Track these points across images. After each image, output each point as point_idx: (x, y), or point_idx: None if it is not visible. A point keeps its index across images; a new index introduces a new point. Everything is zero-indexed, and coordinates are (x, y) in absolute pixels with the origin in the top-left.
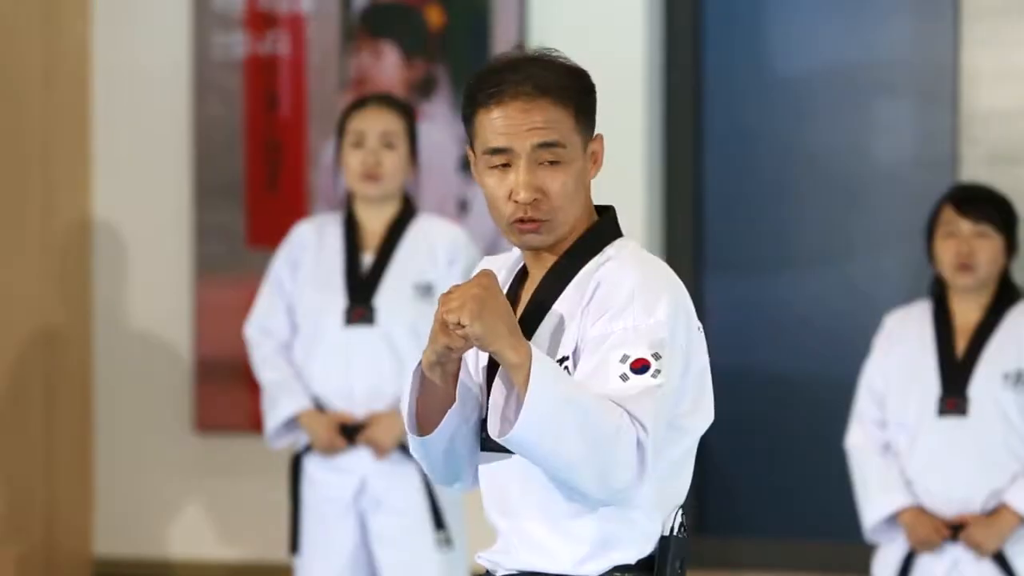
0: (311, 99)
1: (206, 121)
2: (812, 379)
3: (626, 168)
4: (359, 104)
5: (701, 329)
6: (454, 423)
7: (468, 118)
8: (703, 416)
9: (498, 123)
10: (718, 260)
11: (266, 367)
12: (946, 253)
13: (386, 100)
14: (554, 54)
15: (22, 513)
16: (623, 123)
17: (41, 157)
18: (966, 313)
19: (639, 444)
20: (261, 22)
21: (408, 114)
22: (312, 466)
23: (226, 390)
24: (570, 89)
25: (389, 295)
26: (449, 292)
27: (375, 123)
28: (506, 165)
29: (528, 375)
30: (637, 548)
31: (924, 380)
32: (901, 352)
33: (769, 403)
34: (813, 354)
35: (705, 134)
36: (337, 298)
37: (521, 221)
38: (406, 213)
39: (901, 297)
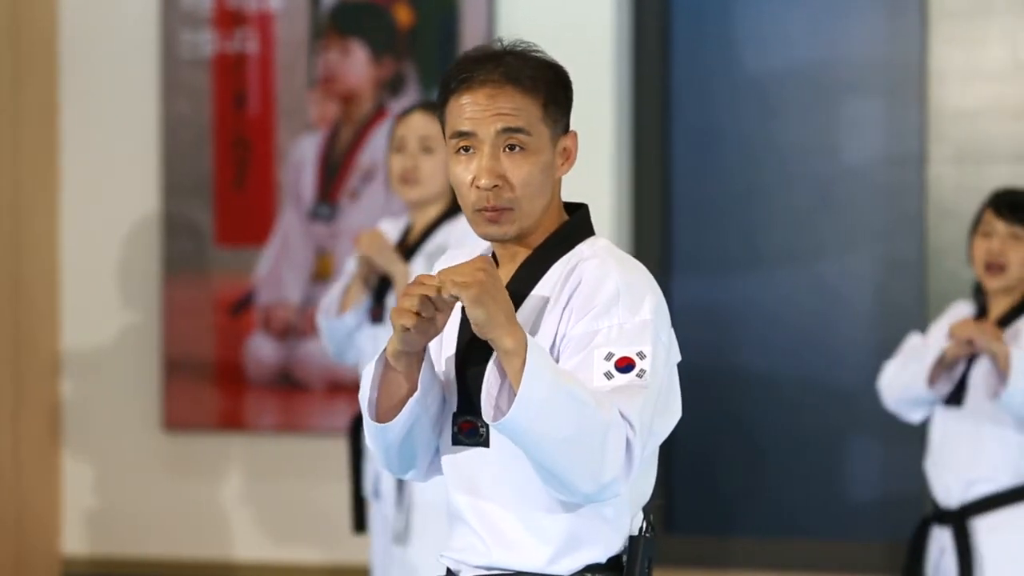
0: (279, 97)
1: (174, 119)
2: (782, 377)
3: (594, 167)
4: (406, 111)
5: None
6: (415, 412)
7: (441, 106)
8: (672, 416)
9: (465, 109)
10: (687, 259)
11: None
12: (979, 252)
13: (429, 105)
14: (532, 48)
15: None
16: (591, 122)
17: (9, 156)
18: (995, 313)
19: (628, 442)
20: (229, 20)
21: None
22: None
23: (194, 389)
24: (541, 80)
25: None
26: (454, 268)
27: (415, 128)
28: (470, 150)
29: (523, 362)
30: (607, 547)
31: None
32: (941, 338)
33: (739, 402)
34: (783, 352)
35: (674, 133)
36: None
37: (484, 209)
38: (446, 215)
39: (871, 295)
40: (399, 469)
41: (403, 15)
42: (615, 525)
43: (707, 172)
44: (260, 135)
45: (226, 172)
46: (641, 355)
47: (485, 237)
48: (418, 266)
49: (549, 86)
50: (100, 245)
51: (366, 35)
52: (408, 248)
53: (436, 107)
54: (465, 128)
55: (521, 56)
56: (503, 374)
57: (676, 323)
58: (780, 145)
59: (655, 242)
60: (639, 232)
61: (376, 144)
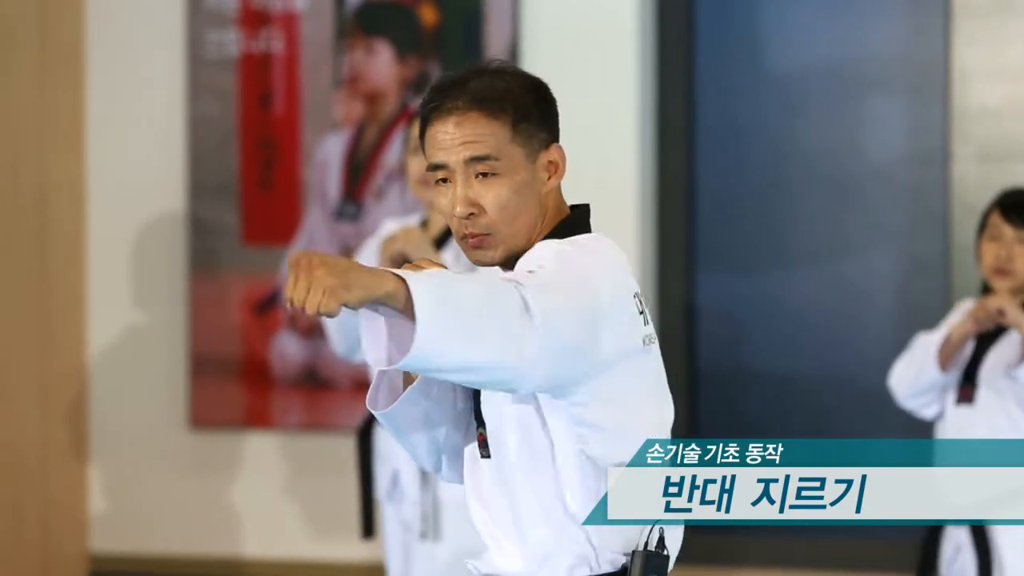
0: (305, 97)
1: (200, 119)
2: (805, 376)
3: (619, 166)
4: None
5: (645, 316)
6: (413, 399)
7: (420, 138)
8: (667, 404)
9: (437, 139)
10: (711, 257)
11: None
12: (987, 255)
13: None
14: (505, 66)
15: (18, 510)
16: (616, 120)
17: (35, 157)
18: None
19: (522, 298)
20: (255, 20)
21: None
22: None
23: (221, 386)
24: (508, 101)
25: None
26: (293, 294)
27: None
28: (446, 181)
29: (407, 292)
30: (611, 561)
31: (956, 369)
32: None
33: (762, 400)
34: (806, 351)
35: (698, 131)
36: None
37: (466, 237)
38: None
39: (894, 294)
40: (427, 460)
41: (428, 14)
42: (627, 537)
43: (731, 170)
44: (285, 135)
45: (252, 172)
46: (541, 267)
47: (476, 263)
48: (448, 261)
49: (518, 105)
50: (126, 244)
51: (391, 35)
52: (432, 244)
53: None
54: (438, 160)
55: (489, 77)
56: (386, 317)
57: (699, 321)
58: (804, 143)
59: (679, 241)
60: (663, 230)
61: (401, 143)
